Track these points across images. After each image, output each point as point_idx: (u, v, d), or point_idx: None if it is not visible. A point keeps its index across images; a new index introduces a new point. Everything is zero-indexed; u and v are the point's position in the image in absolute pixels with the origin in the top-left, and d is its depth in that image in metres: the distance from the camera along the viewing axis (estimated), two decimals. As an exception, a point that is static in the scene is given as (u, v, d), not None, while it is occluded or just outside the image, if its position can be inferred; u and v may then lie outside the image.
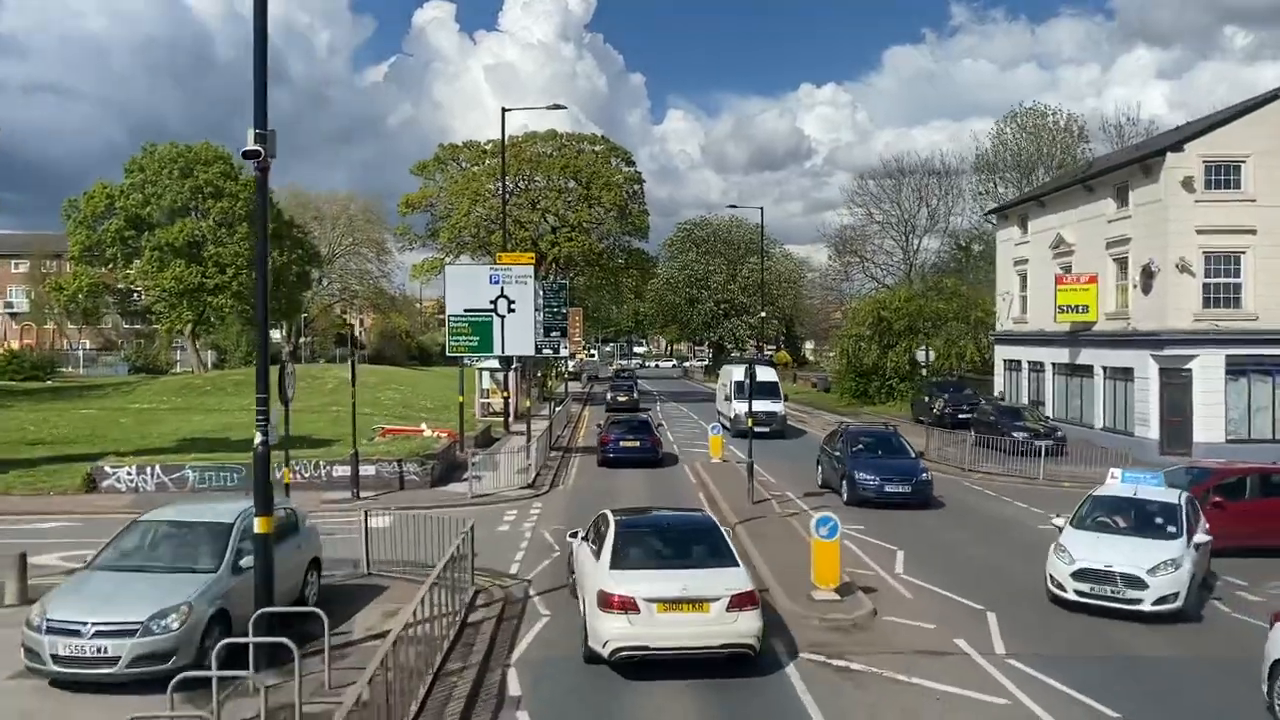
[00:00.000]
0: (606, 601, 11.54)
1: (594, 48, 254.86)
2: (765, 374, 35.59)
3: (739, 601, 11.54)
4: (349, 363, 31.20)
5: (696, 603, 11.48)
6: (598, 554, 12.71)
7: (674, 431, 42.68)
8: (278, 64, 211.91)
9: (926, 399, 43.99)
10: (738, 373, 34.42)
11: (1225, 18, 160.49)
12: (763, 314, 72.37)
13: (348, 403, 48.90)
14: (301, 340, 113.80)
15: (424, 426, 31.00)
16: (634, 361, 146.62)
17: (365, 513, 17.22)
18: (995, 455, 31.36)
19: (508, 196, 57.91)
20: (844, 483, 23.71)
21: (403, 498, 24.97)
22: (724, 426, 35.53)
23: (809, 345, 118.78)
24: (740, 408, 32.93)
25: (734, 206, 68.33)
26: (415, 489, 25.99)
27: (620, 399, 53.99)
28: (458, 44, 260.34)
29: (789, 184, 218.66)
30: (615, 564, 12.10)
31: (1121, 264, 34.34)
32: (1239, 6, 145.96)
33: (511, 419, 46.10)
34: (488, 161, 57.81)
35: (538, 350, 58.76)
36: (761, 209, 67.15)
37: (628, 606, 11.41)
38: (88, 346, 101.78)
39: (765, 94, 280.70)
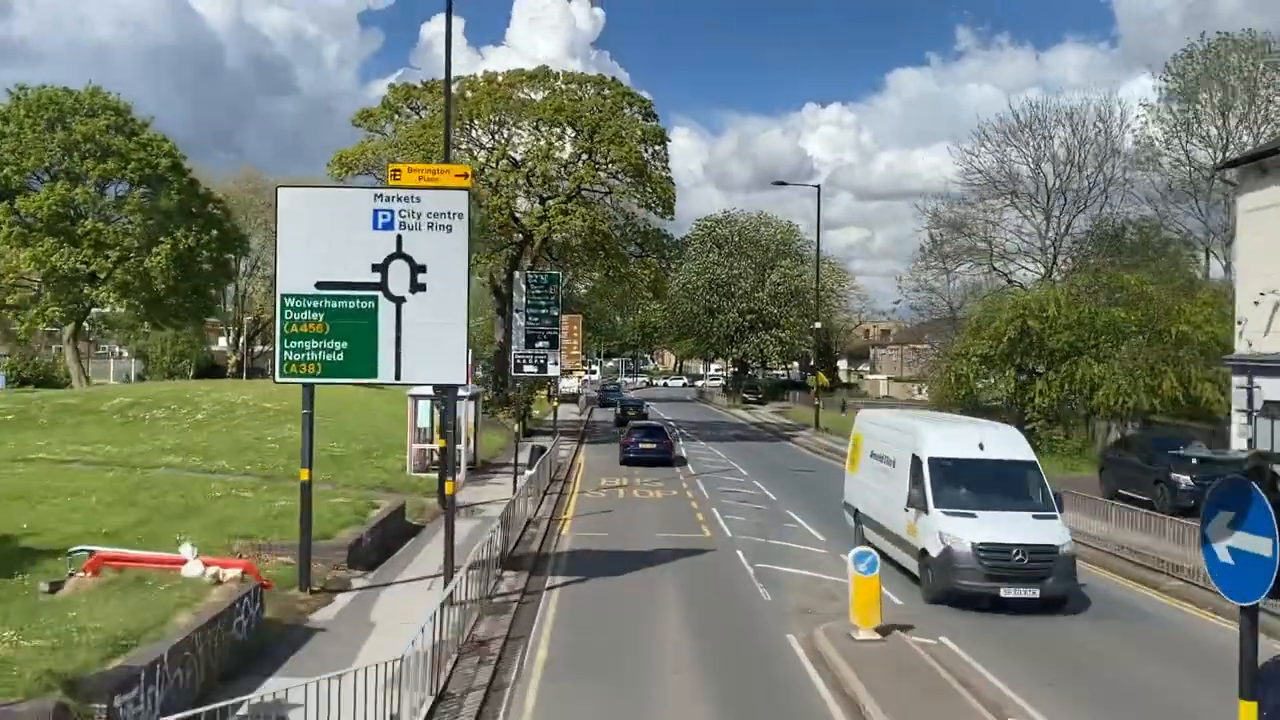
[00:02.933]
0: None
1: (600, 65, 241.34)
2: (1007, 446, 16.14)
3: None
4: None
5: None
6: None
7: (724, 511, 25.01)
8: (286, 74, 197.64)
9: (1135, 458, 26.47)
10: (934, 440, 16.12)
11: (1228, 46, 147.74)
12: (816, 325, 54.81)
13: (203, 445, 31.19)
14: (261, 348, 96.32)
15: (187, 550, 13.01)
16: (640, 379, 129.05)
17: None
18: None
19: (475, 151, 40.57)
20: None
21: None
22: (883, 555, 15.35)
23: (841, 365, 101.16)
24: (956, 530, 14.74)
25: (782, 183, 52.09)
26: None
27: (631, 413, 51.26)
28: (465, 58, 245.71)
29: (791, 203, 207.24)
30: None
31: None
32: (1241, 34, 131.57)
33: (463, 474, 28.57)
34: (455, 105, 40.30)
35: (516, 368, 41.49)
36: (819, 187, 49.22)
37: None
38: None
39: (769, 113, 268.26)
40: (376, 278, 14.38)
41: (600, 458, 37.90)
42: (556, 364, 41.77)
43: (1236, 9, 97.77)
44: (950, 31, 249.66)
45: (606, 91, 42.33)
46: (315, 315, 14.40)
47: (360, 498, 21.61)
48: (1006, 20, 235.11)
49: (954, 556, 14.44)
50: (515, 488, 23.21)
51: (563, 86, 41.94)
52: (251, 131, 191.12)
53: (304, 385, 14.74)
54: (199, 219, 52.16)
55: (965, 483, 15.40)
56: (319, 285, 14.39)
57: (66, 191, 47.58)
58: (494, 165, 39.73)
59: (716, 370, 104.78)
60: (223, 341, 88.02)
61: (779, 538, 21.18)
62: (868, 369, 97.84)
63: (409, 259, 14.41)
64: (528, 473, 23.51)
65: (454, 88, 41.99)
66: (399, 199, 14.48)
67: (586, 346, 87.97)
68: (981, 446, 15.71)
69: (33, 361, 62.94)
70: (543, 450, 28.93)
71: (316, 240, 14.43)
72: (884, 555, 15.64)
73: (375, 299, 14.38)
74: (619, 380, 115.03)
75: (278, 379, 14.64)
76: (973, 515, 14.77)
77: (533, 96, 41.30)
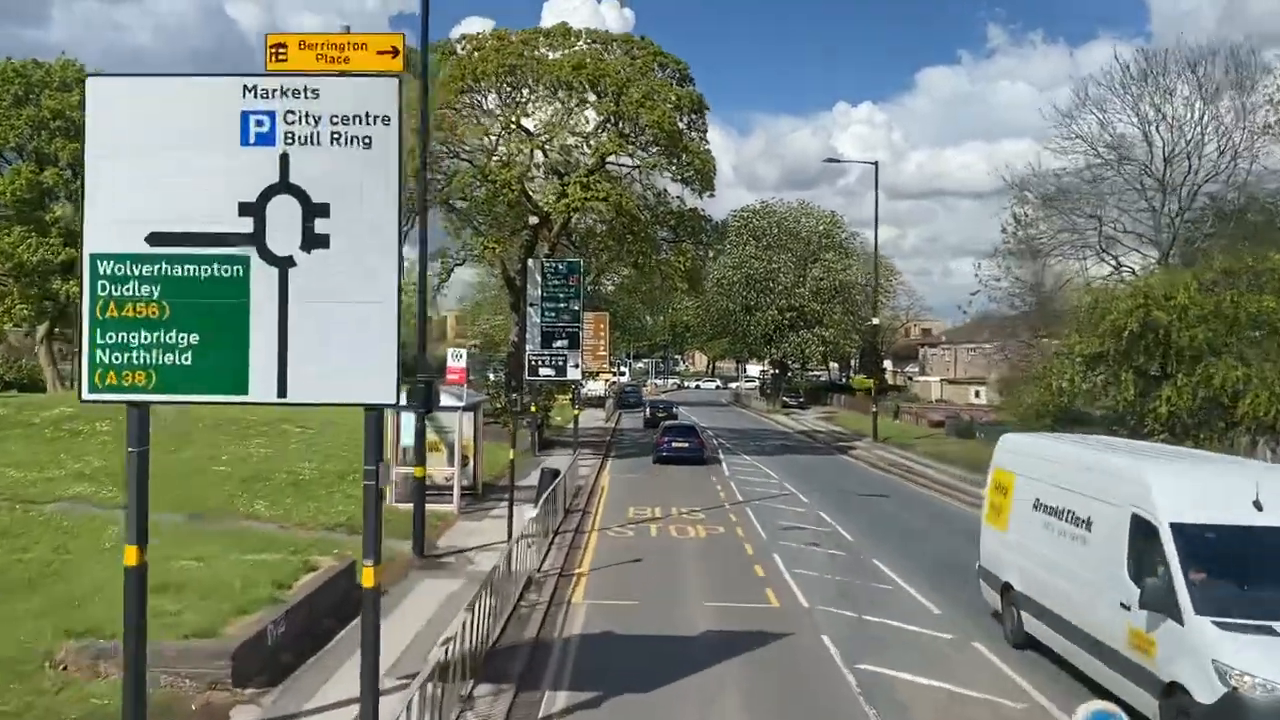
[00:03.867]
0: None
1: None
2: None
3: None
4: None
5: None
6: None
7: (789, 559, 18.91)
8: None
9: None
10: (1174, 491, 9.78)
11: (1262, 42, 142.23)
12: (874, 321, 48.37)
13: (52, 486, 22.75)
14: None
15: None
16: (670, 381, 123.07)
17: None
18: None
19: (481, 119, 34.85)
20: None
21: None
22: (1070, 666, 11.14)
23: (886, 365, 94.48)
24: (1248, 660, 8.22)
25: (835, 160, 45.13)
26: None
27: (661, 414, 51.07)
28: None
29: (822, 202, 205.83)
30: None
31: None
32: (1275, 31, 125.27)
33: (456, 504, 22.79)
34: (462, 65, 34.61)
35: (530, 370, 35.80)
36: (876, 164, 42.96)
37: None
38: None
39: (799, 113, 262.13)
40: (247, 225, 8.49)
41: (629, 476, 31.97)
42: (577, 366, 35.90)
43: (1271, 6, 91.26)
44: (982, 29, 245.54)
45: (636, 52, 36.33)
46: (146, 290, 8.54)
47: (296, 550, 15.82)
48: (1039, 17, 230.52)
49: (1249, 710, 8.15)
50: (510, 533, 17.28)
51: (585, 46, 35.99)
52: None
53: (130, 408, 8.83)
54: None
55: (1242, 570, 9.20)
56: (152, 239, 8.52)
57: (34, 174, 42.49)
58: (505, 133, 33.79)
59: (760, 372, 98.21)
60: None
61: (875, 609, 15.05)
62: (916, 370, 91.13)
63: (301, 194, 8.52)
64: (528, 513, 17.44)
65: (459, 49, 36.34)
66: (284, 93, 8.56)
67: (614, 347, 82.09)
68: (1259, 505, 9.43)
69: (18, 364, 57.83)
70: (555, 474, 22.96)
71: (149, 163, 8.55)
72: (1071, 665, 9.51)
73: (245, 262, 8.49)
74: (639, 381, 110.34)
75: (85, 395, 8.76)
76: (1272, 632, 8.54)
77: (549, 55, 35.40)
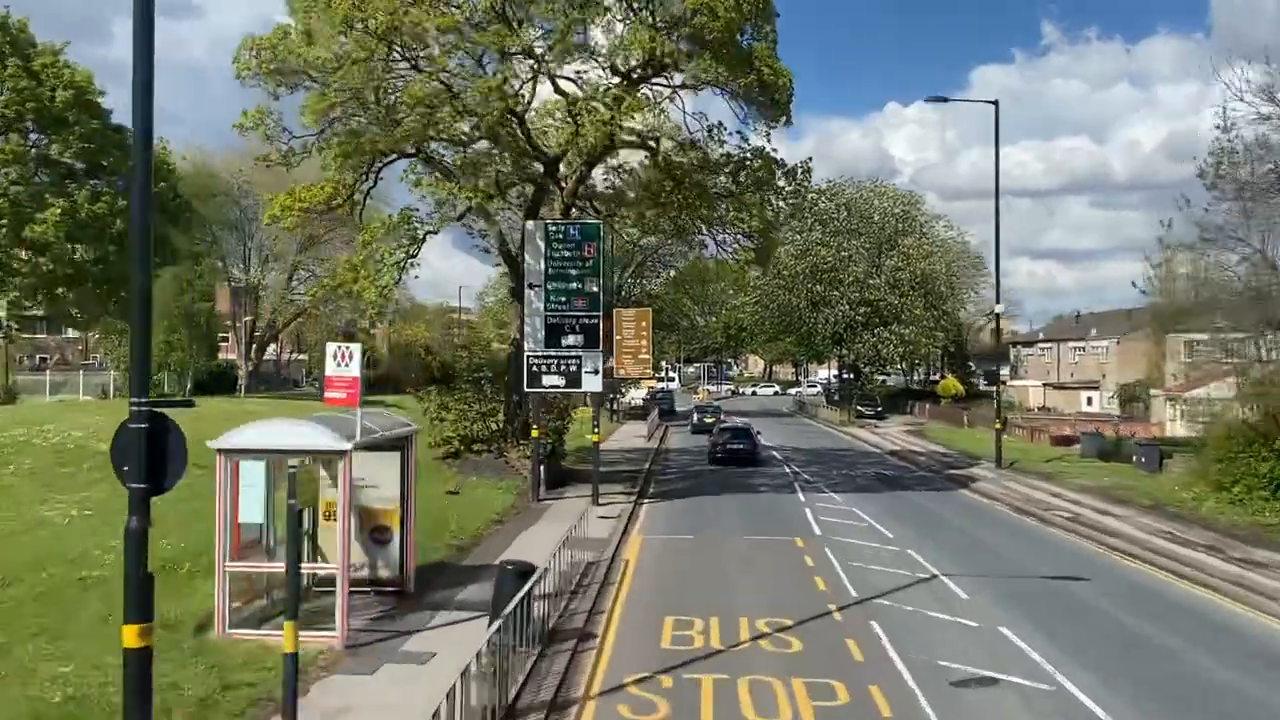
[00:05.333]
0: None
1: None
2: None
3: None
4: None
5: None
6: None
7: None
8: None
9: None
10: None
11: None
12: (997, 308, 36.95)
13: None
14: (287, 355, 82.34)
15: None
16: (724, 387, 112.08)
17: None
18: None
19: (471, 21, 24.30)
20: None
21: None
22: None
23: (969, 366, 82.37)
24: None
25: (942, 99, 34.20)
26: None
27: (709, 419, 49.50)
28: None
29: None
30: None
31: None
32: None
33: (346, 635, 12.20)
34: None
35: (530, 378, 25.33)
36: (996, 103, 31.50)
37: None
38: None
39: (849, 114, 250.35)
40: None
41: (670, 538, 21.09)
42: (597, 372, 25.25)
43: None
44: (1036, 26, 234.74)
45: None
46: None
47: None
48: (1095, 13, 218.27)
49: None
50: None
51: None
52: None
53: None
54: (117, 177, 37.31)
55: None
56: None
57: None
58: (488, 26, 22.88)
59: (834, 376, 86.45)
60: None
61: None
62: (1006, 373, 78.91)
63: None
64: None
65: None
66: None
67: (660, 349, 71.35)
68: None
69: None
70: (523, 576, 12.15)
71: None
72: None
73: None
74: (690, 386, 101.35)
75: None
76: None
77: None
